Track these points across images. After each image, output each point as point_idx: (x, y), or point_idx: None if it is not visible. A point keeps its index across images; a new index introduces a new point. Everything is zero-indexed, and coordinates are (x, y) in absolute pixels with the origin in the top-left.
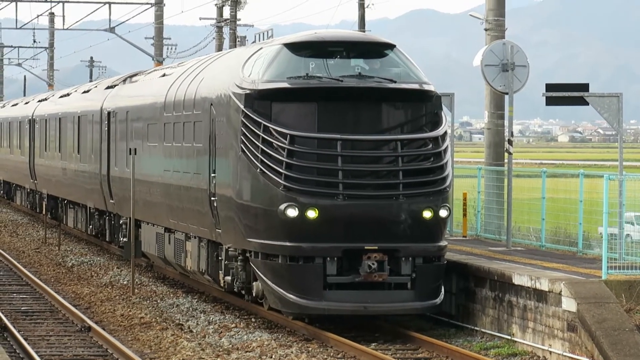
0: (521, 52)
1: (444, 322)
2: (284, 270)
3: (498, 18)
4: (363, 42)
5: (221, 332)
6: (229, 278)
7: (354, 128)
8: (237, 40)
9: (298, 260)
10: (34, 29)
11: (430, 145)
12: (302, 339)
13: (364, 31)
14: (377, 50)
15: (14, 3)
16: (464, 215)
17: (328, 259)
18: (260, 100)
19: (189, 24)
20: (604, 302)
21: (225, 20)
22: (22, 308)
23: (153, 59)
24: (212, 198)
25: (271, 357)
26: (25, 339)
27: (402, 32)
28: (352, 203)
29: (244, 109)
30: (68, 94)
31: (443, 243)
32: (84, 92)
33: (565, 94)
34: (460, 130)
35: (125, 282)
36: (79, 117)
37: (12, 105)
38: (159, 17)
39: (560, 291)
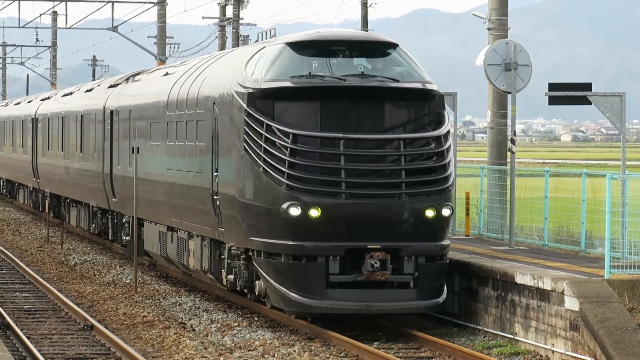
0: (524, 52)
1: (446, 321)
2: (287, 269)
3: (501, 17)
4: (366, 41)
5: (224, 330)
6: (231, 277)
7: (356, 127)
8: (240, 39)
9: (301, 259)
10: (36, 27)
11: (433, 145)
12: (304, 338)
13: (366, 30)
14: (379, 49)
15: (17, 2)
16: (467, 214)
17: (331, 257)
18: (263, 99)
19: (191, 23)
20: (606, 301)
21: (228, 19)
22: (25, 306)
23: (156, 58)
24: (215, 197)
25: (274, 356)
26: (28, 338)
27: (404, 31)
28: (354, 202)
29: (246, 108)
30: (71, 93)
31: (446, 242)
32: (87, 91)
33: (568, 94)
34: (463, 130)
35: (127, 281)
36: (81, 116)
37: (15, 104)
38: (162, 16)
39: (563, 290)
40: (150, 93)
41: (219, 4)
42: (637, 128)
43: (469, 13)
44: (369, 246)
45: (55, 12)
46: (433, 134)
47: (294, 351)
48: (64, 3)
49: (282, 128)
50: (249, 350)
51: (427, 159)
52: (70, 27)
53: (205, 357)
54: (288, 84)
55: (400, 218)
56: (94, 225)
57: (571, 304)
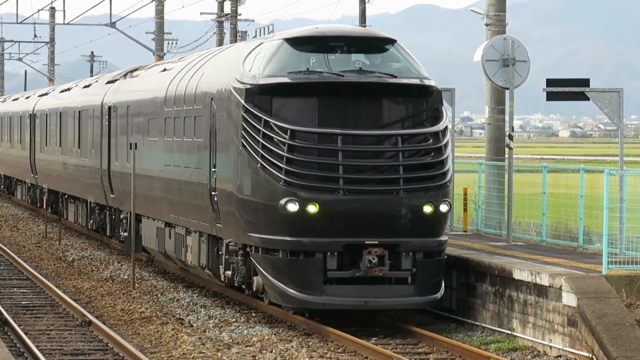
0: (522, 48)
1: (444, 317)
2: (285, 264)
3: (499, 13)
4: (364, 37)
5: (221, 326)
6: (229, 273)
7: (354, 123)
8: (238, 35)
9: (298, 255)
10: (34, 23)
11: (431, 140)
12: (302, 334)
13: (364, 26)
14: (377, 45)
15: None
16: (465, 210)
17: (328, 253)
18: (261, 95)
19: (189, 18)
20: (604, 297)
21: (226, 15)
22: (23, 302)
23: (154, 54)
24: (213, 193)
25: (271, 352)
26: (26, 333)
27: (403, 27)
28: (352, 198)
29: (244, 104)
30: (69, 89)
31: (443, 238)
32: (85, 86)
33: (566, 89)
34: (461, 125)
35: (125, 277)
36: (79, 111)
37: (13, 100)
38: (160, 12)
39: (561, 286)
40: (148, 89)
41: None
42: (635, 124)
43: (468, 9)
44: (366, 242)
45: (53, 8)
46: (431, 129)
47: (292, 347)
48: None
49: (280, 124)
50: (246, 346)
51: (425, 154)
52: (68, 23)
53: (203, 352)
54: (286, 79)
55: (398, 214)
56: (91, 221)
57: (569, 299)
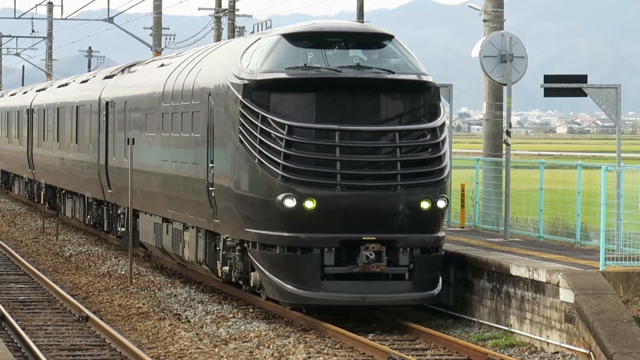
0: (520, 44)
1: (441, 313)
2: (282, 260)
3: (496, 9)
4: (361, 33)
5: (219, 322)
6: (226, 268)
7: (352, 119)
8: (236, 30)
9: (296, 251)
10: (32, 18)
11: (429, 136)
12: (299, 329)
13: (362, 22)
14: (375, 41)
15: None
16: (462, 206)
17: (326, 249)
18: (259, 91)
19: (187, 14)
20: (601, 293)
21: (224, 10)
22: (20, 298)
23: (151, 49)
24: (210, 188)
25: (269, 347)
26: (23, 329)
27: (401, 23)
28: (350, 194)
29: (242, 100)
30: (66, 84)
31: (441, 234)
32: (82, 82)
33: (564, 86)
34: (459, 121)
35: (123, 272)
36: (77, 107)
37: (11, 95)
38: (158, 7)
39: (558, 282)
40: (146, 84)
41: None
42: (633, 120)
43: (466, 5)
44: (364, 238)
45: (50, 3)
46: (428, 125)
47: (289, 342)
48: None
49: (277, 119)
50: (244, 342)
51: (423, 150)
52: (66, 18)
53: (200, 348)
54: (283, 75)
55: (395, 210)
56: (89, 216)
57: (566, 296)
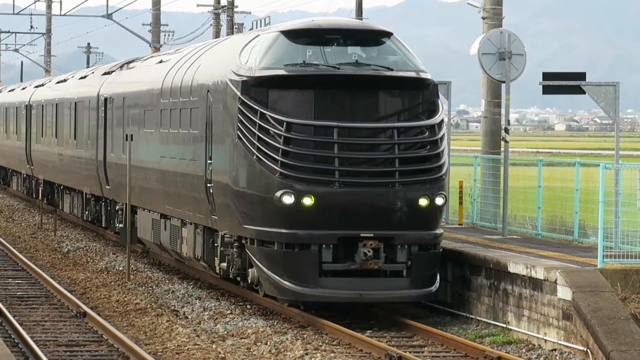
0: (518, 41)
1: (439, 310)
2: (280, 257)
3: (495, 7)
4: (360, 30)
5: (216, 318)
6: (224, 265)
7: (350, 116)
8: (235, 27)
9: (294, 247)
10: (31, 14)
11: (427, 133)
12: (297, 326)
13: (361, 19)
14: (374, 38)
15: None
16: (460, 203)
17: (324, 246)
18: (257, 88)
19: (186, 10)
20: (599, 290)
21: (223, 7)
22: (18, 293)
23: (150, 46)
24: (208, 185)
25: (266, 344)
26: (21, 324)
27: (399, 20)
28: (348, 190)
29: (240, 96)
30: (65, 80)
31: (439, 231)
32: (81, 78)
33: (562, 83)
34: (457, 119)
35: (120, 268)
36: (75, 103)
37: (9, 91)
38: (157, 4)
39: (556, 279)
40: (144, 81)
41: None
42: (631, 118)
43: (465, 2)
44: (362, 235)
45: None
46: (427, 122)
47: (287, 339)
48: None
49: (276, 116)
50: (241, 338)
51: (421, 147)
52: (64, 14)
53: (198, 344)
54: (282, 72)
55: (393, 207)
56: (87, 212)
57: (564, 293)
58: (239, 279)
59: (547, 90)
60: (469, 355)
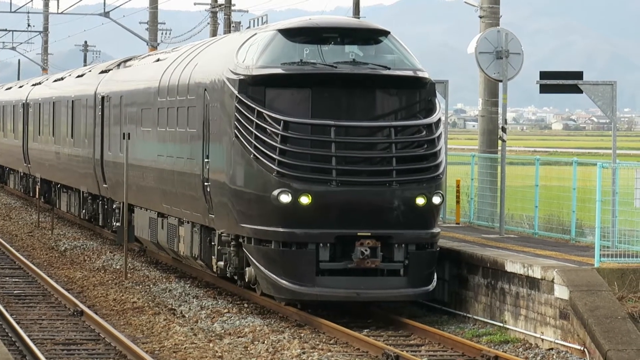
0: (515, 40)
1: (436, 309)
2: (277, 255)
3: (492, 5)
4: (357, 29)
5: (214, 317)
6: (221, 263)
7: (347, 114)
8: (232, 25)
9: (291, 246)
10: (28, 12)
11: (424, 132)
12: (294, 325)
13: (358, 18)
14: (371, 36)
15: None
16: (457, 202)
17: (321, 245)
18: (254, 86)
19: (183, 9)
20: (596, 289)
21: (220, 5)
22: (15, 292)
23: (147, 44)
24: (206, 183)
25: (263, 343)
26: (18, 323)
27: (397, 18)
28: (345, 189)
29: (237, 95)
30: (62, 78)
31: (436, 230)
32: (78, 76)
33: (560, 82)
34: (454, 117)
35: (118, 267)
36: (72, 101)
37: (6, 89)
38: (154, 2)
39: (553, 279)
40: (142, 79)
41: None
42: (629, 117)
43: (462, 1)
44: (359, 233)
45: None
46: (424, 121)
47: (284, 338)
48: None
49: (273, 115)
50: (238, 337)
51: (418, 146)
52: (62, 13)
53: (195, 343)
54: (279, 70)
55: (390, 205)
56: (84, 210)
57: (561, 292)
58: (236, 277)
59: (544, 89)
60: (466, 355)
